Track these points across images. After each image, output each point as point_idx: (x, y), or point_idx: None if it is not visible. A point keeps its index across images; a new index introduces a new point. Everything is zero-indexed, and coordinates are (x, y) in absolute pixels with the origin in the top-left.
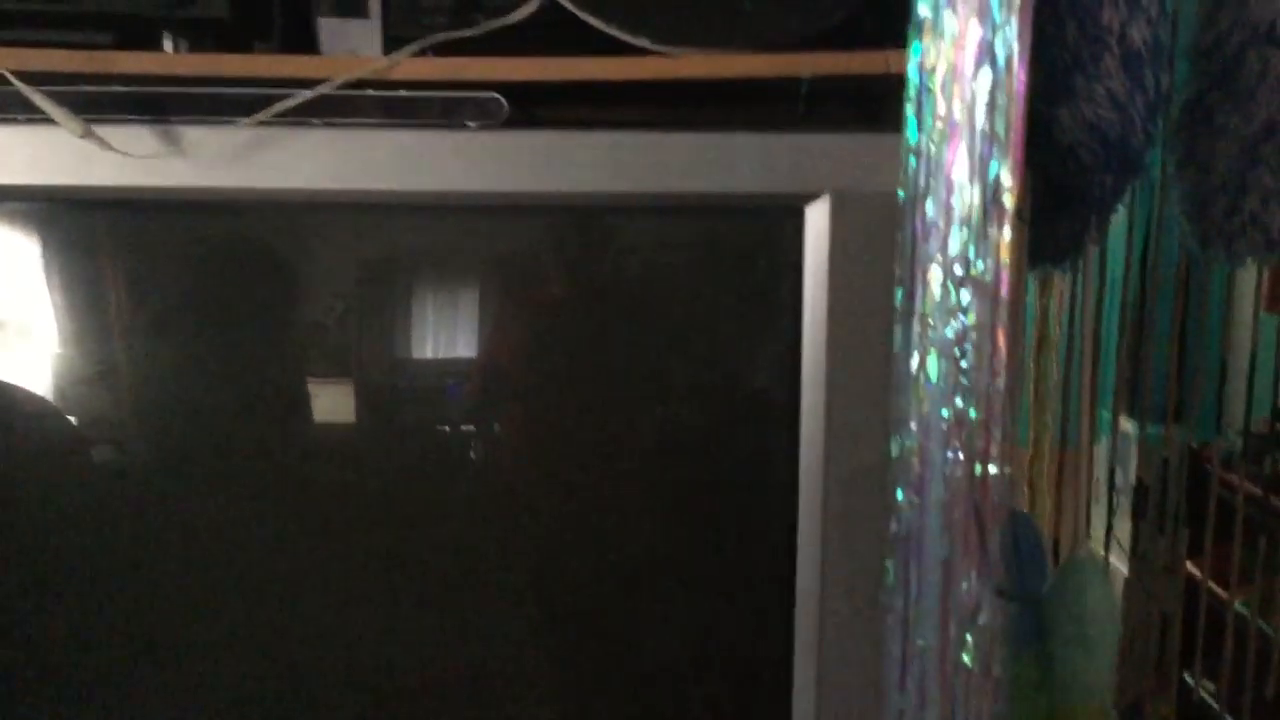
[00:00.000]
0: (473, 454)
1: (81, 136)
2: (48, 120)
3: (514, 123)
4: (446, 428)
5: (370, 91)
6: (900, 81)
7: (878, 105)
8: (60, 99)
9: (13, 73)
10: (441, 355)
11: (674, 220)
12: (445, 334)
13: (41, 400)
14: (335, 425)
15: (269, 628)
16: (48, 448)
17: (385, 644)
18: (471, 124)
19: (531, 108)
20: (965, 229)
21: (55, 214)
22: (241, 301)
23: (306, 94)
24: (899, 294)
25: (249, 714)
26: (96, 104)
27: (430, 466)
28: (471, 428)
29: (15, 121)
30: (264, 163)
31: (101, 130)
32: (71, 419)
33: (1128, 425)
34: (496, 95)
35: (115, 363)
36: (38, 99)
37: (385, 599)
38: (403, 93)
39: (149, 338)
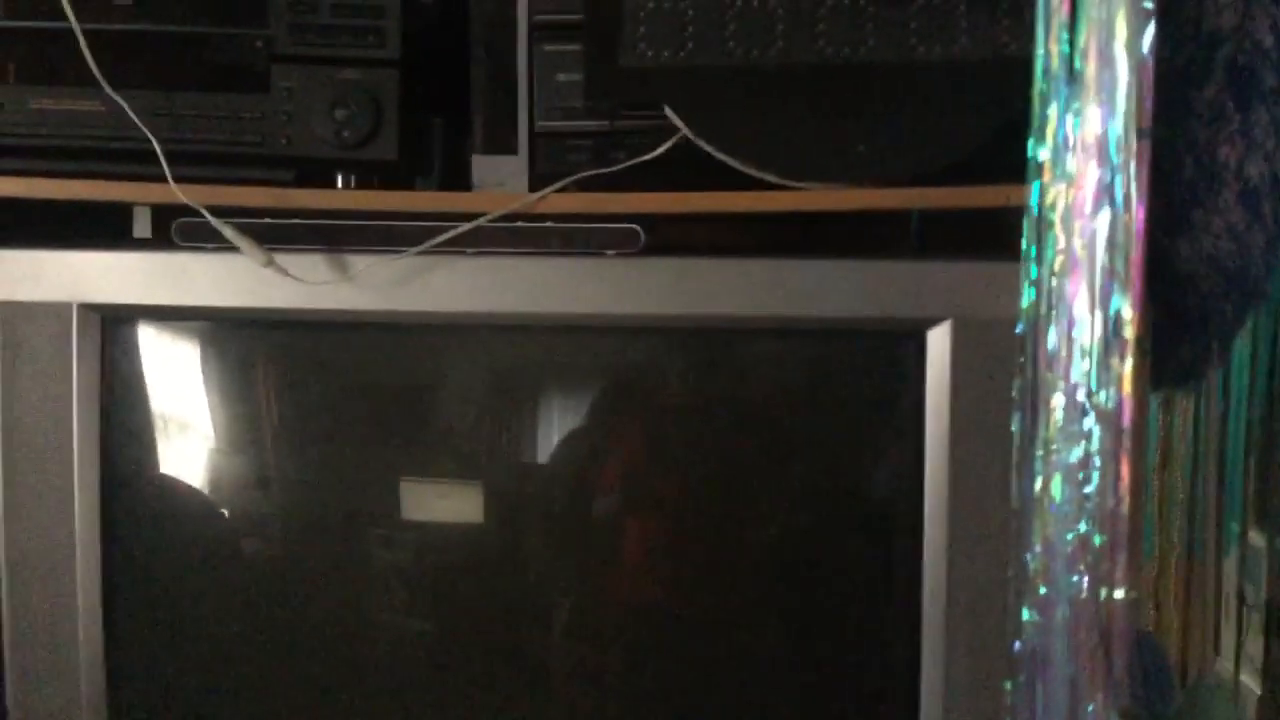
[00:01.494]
0: (602, 561)
1: (265, 265)
2: (233, 249)
3: (650, 249)
4: (577, 534)
5: (519, 223)
6: (1021, 211)
7: (999, 231)
8: (246, 230)
9: (205, 206)
10: (574, 466)
11: (799, 342)
12: (581, 446)
13: (202, 497)
14: (474, 528)
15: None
16: (204, 551)
17: None
18: (610, 252)
19: (666, 229)
20: (1087, 359)
21: (230, 332)
22: (397, 413)
23: (462, 227)
24: (1020, 418)
25: None
26: (276, 234)
27: (560, 570)
28: (601, 536)
29: (204, 250)
30: (423, 288)
31: (280, 258)
32: (225, 513)
33: (1258, 538)
34: (634, 226)
35: (272, 467)
36: (227, 231)
37: (516, 693)
38: (548, 224)
39: (307, 445)
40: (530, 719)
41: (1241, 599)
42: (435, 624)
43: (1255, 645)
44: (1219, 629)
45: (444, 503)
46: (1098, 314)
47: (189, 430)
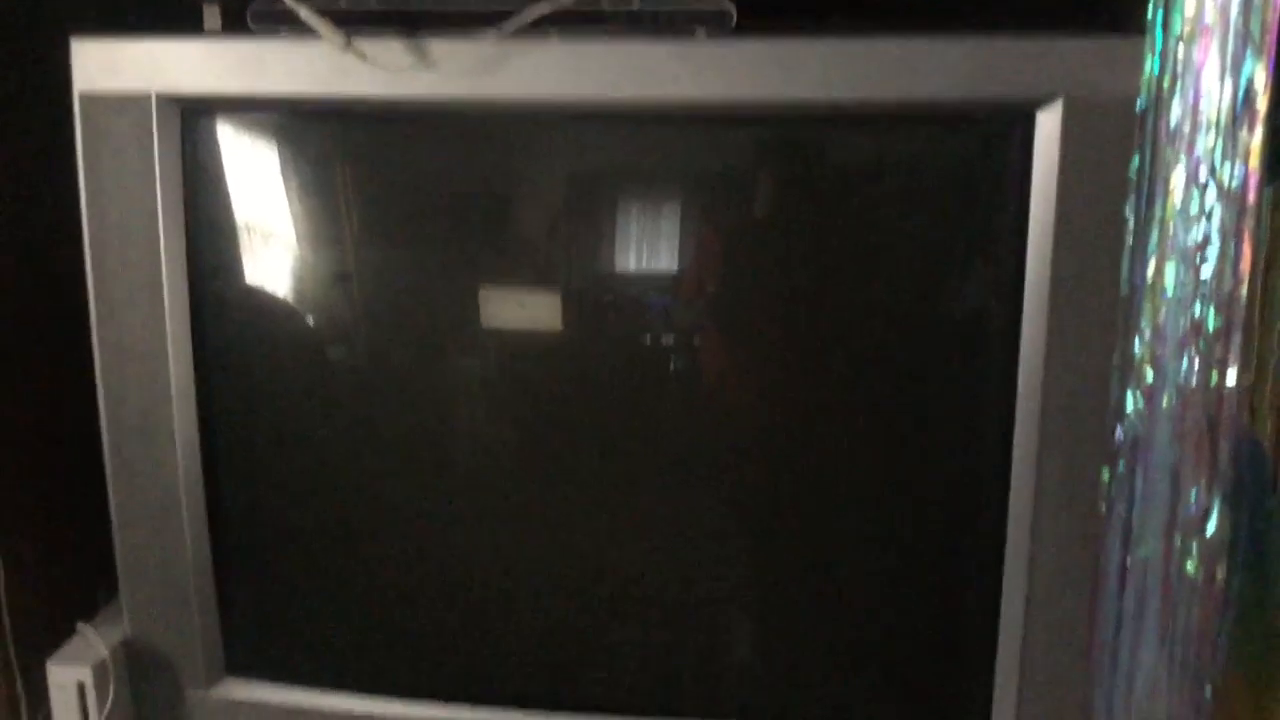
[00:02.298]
0: (686, 365)
1: (343, 50)
2: (309, 34)
3: (741, 30)
4: (649, 337)
5: (605, 3)
6: None
7: (1114, 5)
8: (322, 13)
9: None
10: (655, 266)
11: (898, 127)
12: (661, 244)
13: (283, 302)
14: (551, 332)
15: (476, 521)
16: (287, 345)
17: (580, 544)
18: (700, 32)
19: (759, 13)
20: (1213, 132)
21: (308, 122)
22: (475, 204)
23: (546, 7)
24: (1135, 200)
25: (451, 607)
26: (353, 18)
27: (632, 376)
28: (684, 339)
29: (280, 36)
30: (504, 74)
31: (358, 43)
32: (308, 306)
33: None
34: (727, 4)
35: (350, 267)
36: (303, 13)
37: (584, 502)
38: (635, 3)
39: (383, 243)
40: (610, 524)
41: None
42: (513, 429)
43: None
44: None
45: (523, 297)
46: (1227, 82)
47: (270, 223)
